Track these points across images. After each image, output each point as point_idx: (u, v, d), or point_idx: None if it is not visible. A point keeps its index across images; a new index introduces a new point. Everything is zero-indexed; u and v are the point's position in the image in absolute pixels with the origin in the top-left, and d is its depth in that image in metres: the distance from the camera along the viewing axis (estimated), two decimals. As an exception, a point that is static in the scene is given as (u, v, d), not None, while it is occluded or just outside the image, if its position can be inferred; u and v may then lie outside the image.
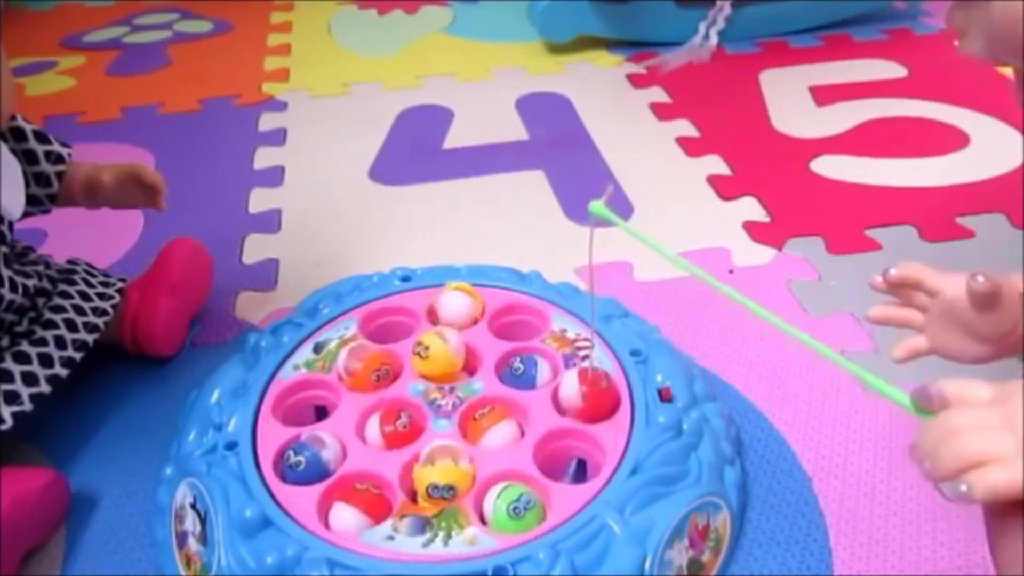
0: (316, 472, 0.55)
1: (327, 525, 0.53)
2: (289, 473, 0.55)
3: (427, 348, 0.62)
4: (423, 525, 0.52)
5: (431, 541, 0.51)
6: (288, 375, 0.63)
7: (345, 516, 0.53)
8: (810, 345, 0.40)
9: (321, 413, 0.63)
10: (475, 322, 0.68)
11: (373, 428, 0.58)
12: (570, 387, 0.59)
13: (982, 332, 0.46)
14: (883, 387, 0.38)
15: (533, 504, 0.52)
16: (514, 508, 0.52)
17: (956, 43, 0.41)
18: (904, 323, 0.51)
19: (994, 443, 0.33)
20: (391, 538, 0.51)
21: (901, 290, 0.50)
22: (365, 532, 0.52)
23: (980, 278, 0.43)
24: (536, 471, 0.55)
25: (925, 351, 0.50)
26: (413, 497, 0.54)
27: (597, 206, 0.50)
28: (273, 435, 0.58)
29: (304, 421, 0.61)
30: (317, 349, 0.66)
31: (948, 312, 0.47)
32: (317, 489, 0.54)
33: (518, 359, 0.63)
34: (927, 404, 0.36)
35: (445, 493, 0.53)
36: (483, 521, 0.52)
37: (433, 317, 0.69)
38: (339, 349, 0.64)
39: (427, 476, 0.54)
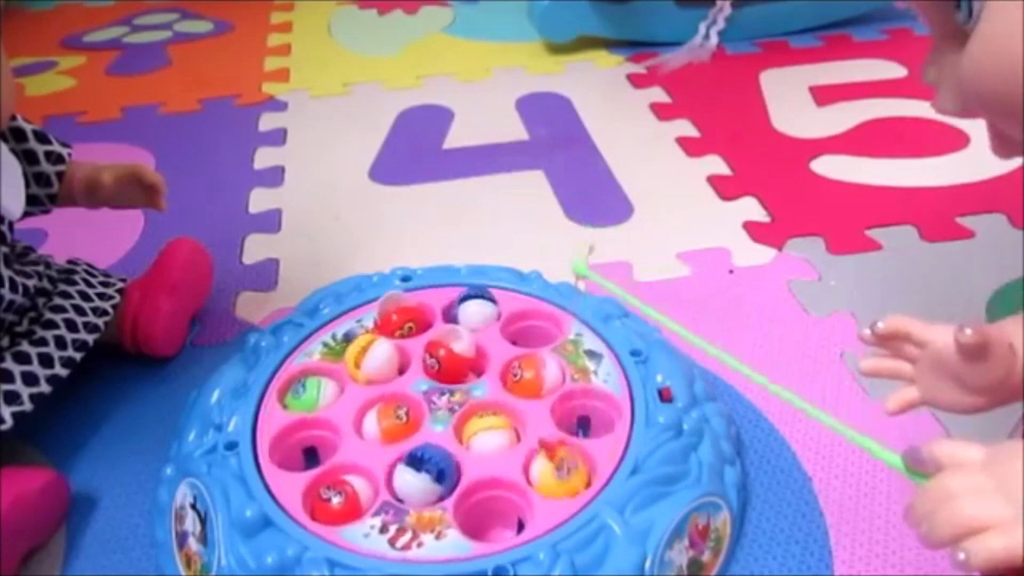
0: None
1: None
2: None
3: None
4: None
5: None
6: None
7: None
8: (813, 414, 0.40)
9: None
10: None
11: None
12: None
13: (973, 383, 0.46)
14: (878, 450, 0.38)
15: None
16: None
17: (931, 102, 0.41)
18: (894, 375, 0.50)
19: (991, 509, 0.33)
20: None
21: (890, 342, 0.50)
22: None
23: (968, 330, 0.43)
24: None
25: (918, 403, 0.49)
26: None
27: (579, 266, 0.52)
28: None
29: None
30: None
31: (938, 363, 0.47)
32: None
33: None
34: (919, 466, 0.37)
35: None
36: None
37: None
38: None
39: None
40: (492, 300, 0.69)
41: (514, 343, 0.66)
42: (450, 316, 0.69)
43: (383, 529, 0.52)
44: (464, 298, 0.68)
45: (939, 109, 0.40)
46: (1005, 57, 0.34)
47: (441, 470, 0.54)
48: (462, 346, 0.63)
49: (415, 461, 0.54)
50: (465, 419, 0.59)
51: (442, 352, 0.62)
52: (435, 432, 0.58)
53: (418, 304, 0.69)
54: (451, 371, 0.62)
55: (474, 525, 0.53)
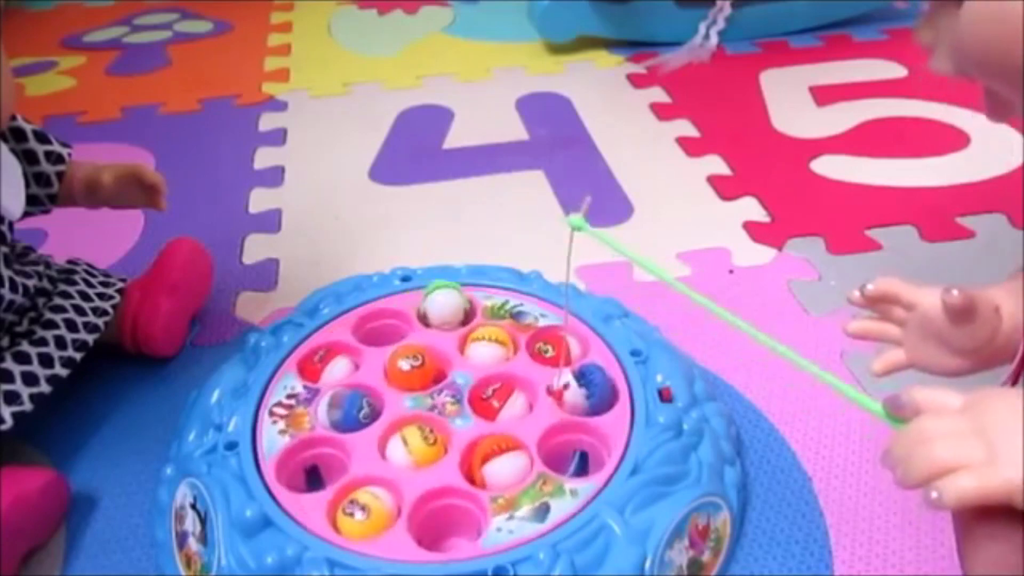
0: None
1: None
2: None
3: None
4: None
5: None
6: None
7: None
8: (786, 355, 0.40)
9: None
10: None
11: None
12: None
13: (958, 345, 0.47)
14: (856, 396, 0.38)
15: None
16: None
17: (928, 62, 0.42)
18: (881, 337, 0.51)
19: (964, 450, 0.33)
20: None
21: (879, 305, 0.51)
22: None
23: (955, 292, 0.44)
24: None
25: (904, 365, 0.50)
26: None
27: (576, 219, 0.51)
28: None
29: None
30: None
31: (925, 326, 0.48)
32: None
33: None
34: (899, 412, 0.37)
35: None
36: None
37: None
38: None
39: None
40: (592, 391, 0.60)
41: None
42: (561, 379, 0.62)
43: (288, 396, 0.61)
44: (580, 374, 0.60)
45: (935, 69, 0.41)
46: (998, 20, 0.35)
47: (346, 422, 0.59)
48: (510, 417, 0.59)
49: (332, 399, 0.60)
50: (409, 421, 0.58)
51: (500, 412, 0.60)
52: (404, 405, 0.60)
53: (563, 343, 0.63)
54: (480, 410, 0.60)
55: (325, 464, 0.58)
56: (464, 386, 0.61)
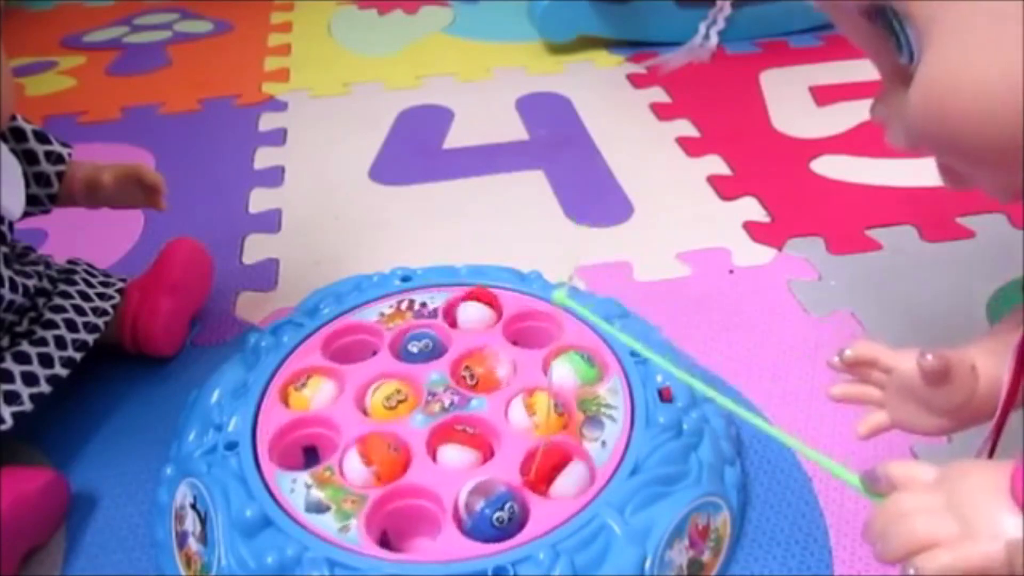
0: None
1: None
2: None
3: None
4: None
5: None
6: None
7: None
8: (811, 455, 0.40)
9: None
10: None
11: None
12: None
13: (937, 406, 0.47)
14: (837, 470, 0.39)
15: None
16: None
17: (884, 137, 0.42)
18: (863, 400, 0.52)
19: (940, 526, 0.34)
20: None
21: (858, 369, 0.51)
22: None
23: (929, 356, 0.45)
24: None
25: (887, 426, 0.51)
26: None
27: (559, 295, 0.52)
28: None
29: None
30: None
31: (904, 388, 0.49)
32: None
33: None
34: (875, 486, 0.38)
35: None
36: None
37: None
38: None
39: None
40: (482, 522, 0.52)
41: None
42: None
43: (422, 304, 0.69)
44: (493, 497, 0.52)
45: (890, 144, 0.41)
46: (945, 102, 0.35)
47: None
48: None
49: (412, 346, 0.65)
50: (405, 382, 0.61)
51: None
52: (433, 372, 0.62)
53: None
54: (440, 430, 0.57)
55: None
56: (466, 408, 0.59)
